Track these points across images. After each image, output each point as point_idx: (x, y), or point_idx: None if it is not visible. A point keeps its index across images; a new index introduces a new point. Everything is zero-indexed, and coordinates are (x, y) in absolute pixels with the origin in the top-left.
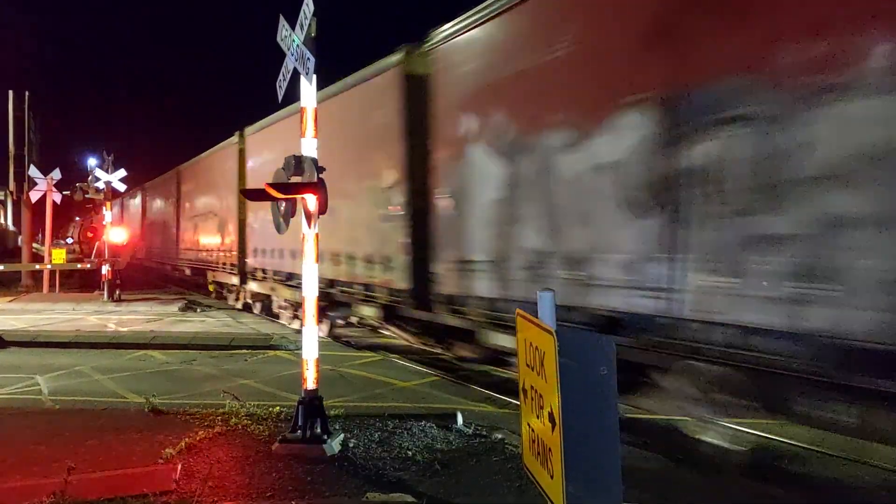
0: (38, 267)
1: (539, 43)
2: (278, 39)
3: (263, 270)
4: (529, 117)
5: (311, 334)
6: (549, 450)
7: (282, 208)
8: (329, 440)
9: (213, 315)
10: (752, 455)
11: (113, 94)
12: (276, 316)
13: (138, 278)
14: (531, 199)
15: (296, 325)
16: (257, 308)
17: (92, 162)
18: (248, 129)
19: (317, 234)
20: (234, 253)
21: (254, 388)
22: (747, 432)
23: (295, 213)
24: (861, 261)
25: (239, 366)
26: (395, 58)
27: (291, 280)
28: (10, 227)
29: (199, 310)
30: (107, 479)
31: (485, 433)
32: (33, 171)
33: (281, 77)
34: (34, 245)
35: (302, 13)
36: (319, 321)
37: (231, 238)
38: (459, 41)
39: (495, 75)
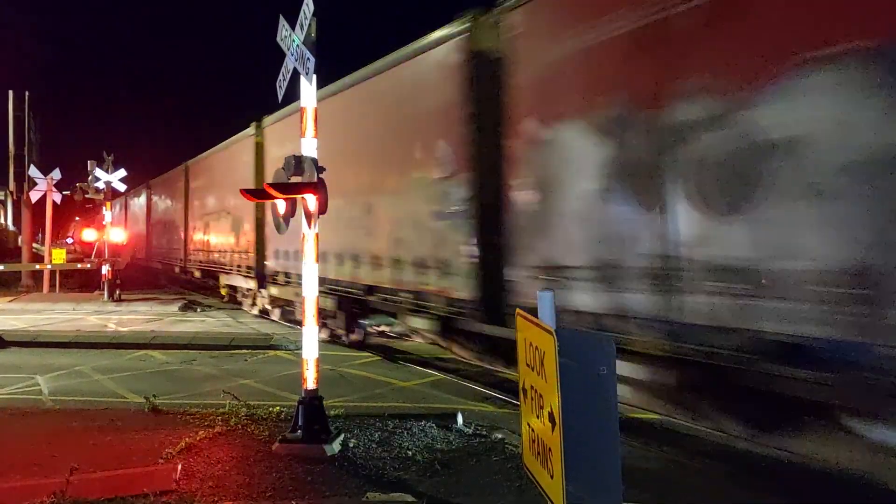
0: (38, 267)
1: None
2: (278, 39)
3: (286, 274)
4: (651, 84)
5: (312, 334)
6: (549, 449)
7: (282, 209)
8: (329, 440)
9: (213, 315)
10: (753, 454)
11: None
12: (299, 324)
13: (140, 279)
14: (655, 189)
15: (323, 333)
16: (276, 314)
17: (92, 162)
18: (267, 120)
19: (317, 234)
20: (251, 255)
21: (254, 387)
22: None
23: (295, 213)
24: None
25: (239, 366)
26: (456, 27)
27: (321, 285)
28: (11, 227)
29: (199, 310)
30: (107, 479)
31: (485, 433)
32: (33, 171)
33: (281, 77)
34: (34, 245)
35: (302, 13)
36: (352, 330)
37: (247, 239)
38: None
39: (599, 35)
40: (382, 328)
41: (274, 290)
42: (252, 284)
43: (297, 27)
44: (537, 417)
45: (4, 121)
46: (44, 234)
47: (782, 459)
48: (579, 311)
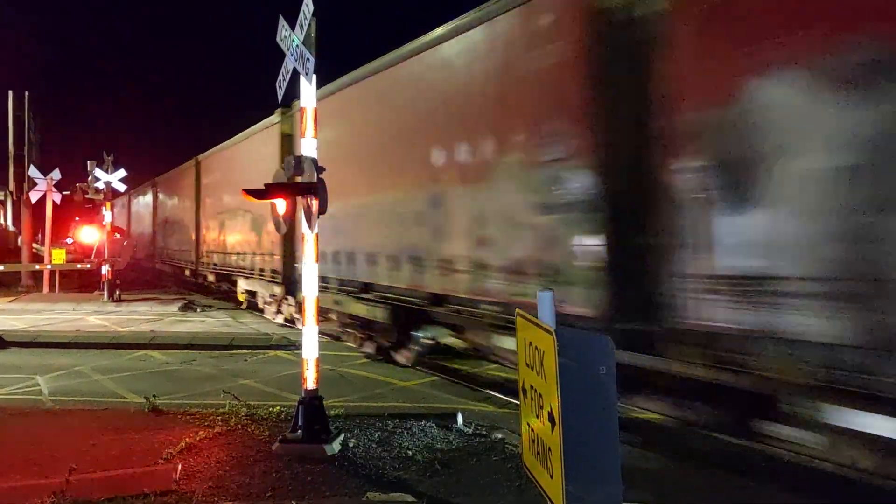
0: (38, 267)
1: None
2: (278, 40)
3: (323, 279)
4: None
5: (312, 334)
6: (549, 449)
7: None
8: (329, 440)
9: (213, 315)
10: (753, 454)
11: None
12: (337, 337)
13: (141, 279)
14: None
15: (368, 347)
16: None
17: (91, 162)
18: (297, 103)
19: (316, 235)
20: (277, 257)
21: (254, 388)
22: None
23: (295, 214)
24: None
25: (239, 366)
26: None
27: (368, 291)
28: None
29: (198, 310)
30: (107, 479)
31: (485, 433)
32: (33, 172)
33: (281, 77)
34: (34, 245)
35: (301, 13)
36: (404, 345)
37: (272, 239)
38: None
39: None
40: (448, 341)
41: None
42: (277, 290)
43: (297, 27)
44: (537, 417)
45: (4, 121)
46: (44, 234)
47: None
48: (804, 340)
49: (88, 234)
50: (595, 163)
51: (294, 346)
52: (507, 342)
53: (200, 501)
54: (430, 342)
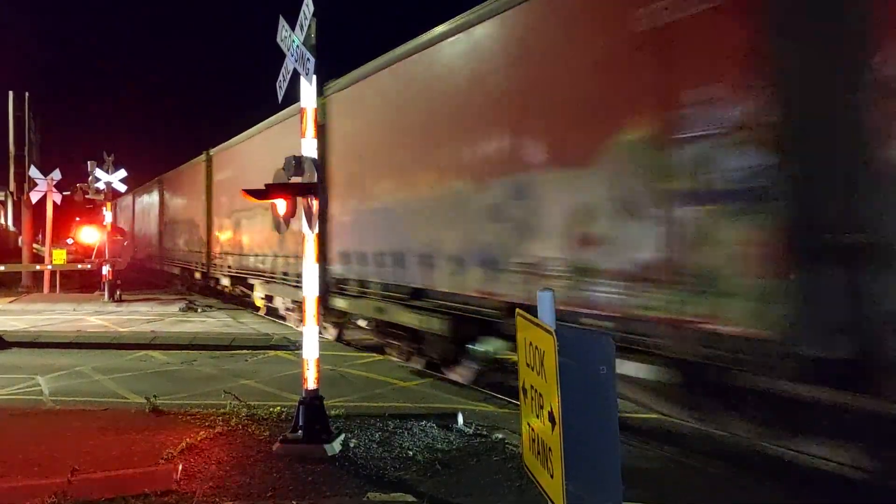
0: (38, 268)
1: None
2: (278, 40)
3: (362, 282)
4: None
5: (312, 334)
6: (550, 449)
7: (282, 209)
8: (330, 440)
9: (213, 315)
10: (753, 454)
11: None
12: (380, 349)
13: (142, 279)
14: None
15: (417, 362)
16: (331, 333)
17: (92, 162)
18: (334, 85)
19: (317, 235)
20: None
21: (254, 388)
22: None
23: (295, 214)
24: None
25: (240, 366)
26: None
27: (421, 298)
28: (11, 227)
29: (199, 310)
30: (108, 479)
31: (485, 433)
32: (34, 172)
33: (281, 77)
34: (34, 245)
35: (302, 14)
36: (460, 362)
37: (297, 239)
38: None
39: None
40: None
41: (341, 303)
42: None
43: (297, 28)
44: (537, 417)
45: (5, 121)
46: (44, 234)
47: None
48: None
49: (89, 235)
50: (771, 137)
51: (294, 346)
52: (629, 367)
53: (201, 501)
54: (491, 358)
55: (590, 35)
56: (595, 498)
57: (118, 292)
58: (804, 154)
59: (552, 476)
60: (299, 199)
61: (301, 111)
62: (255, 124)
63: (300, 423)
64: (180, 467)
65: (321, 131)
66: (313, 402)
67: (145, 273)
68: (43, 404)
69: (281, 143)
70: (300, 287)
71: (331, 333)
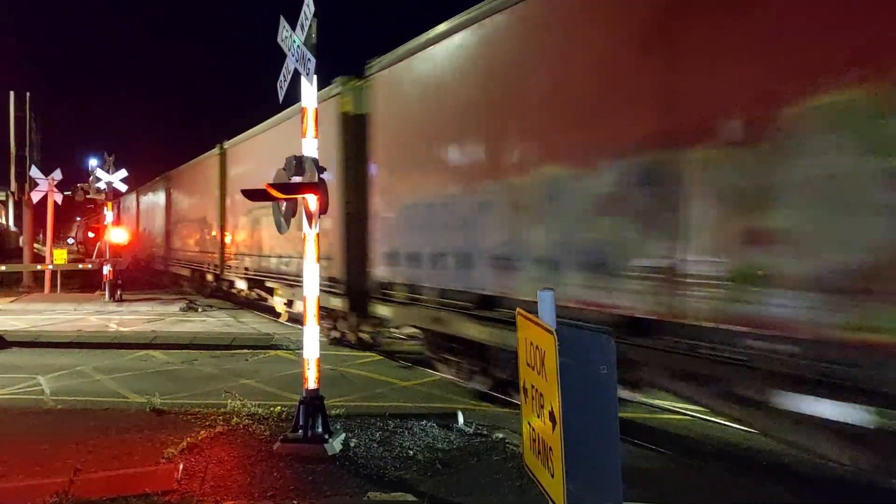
0: (39, 267)
1: None
2: (279, 40)
3: (411, 287)
4: None
5: (312, 334)
6: (550, 448)
7: (283, 208)
8: (330, 440)
9: (214, 315)
10: (753, 454)
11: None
12: (428, 363)
13: (143, 280)
14: None
15: (480, 382)
16: (364, 344)
17: (93, 162)
18: (377, 63)
19: (317, 234)
20: (335, 261)
21: (255, 387)
22: (748, 431)
23: (296, 214)
24: None
25: (240, 365)
26: None
27: (491, 307)
28: (12, 227)
29: (200, 310)
30: (109, 479)
31: (486, 432)
32: (34, 172)
33: (282, 78)
34: (35, 245)
35: (302, 14)
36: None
37: (331, 239)
38: None
39: None
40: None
41: (384, 311)
42: (337, 304)
43: (298, 28)
44: (538, 417)
45: (6, 121)
46: (45, 234)
47: (782, 459)
48: None
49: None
50: None
51: (295, 345)
52: (824, 408)
53: (202, 501)
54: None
55: None
56: (595, 497)
57: (119, 292)
58: None
59: (553, 475)
60: (305, 199)
61: (302, 111)
62: (255, 124)
63: (301, 423)
64: (181, 467)
65: (359, 120)
66: (314, 401)
67: (150, 274)
68: (44, 404)
69: (319, 126)
70: (333, 293)
71: (364, 344)
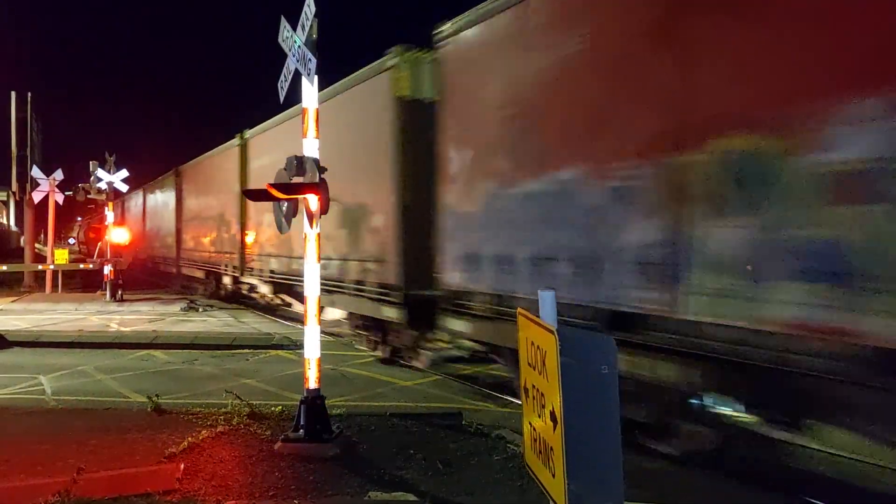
0: (40, 267)
1: None
2: (280, 40)
3: (500, 298)
4: None
5: (313, 333)
6: (551, 448)
7: (284, 208)
8: (331, 439)
9: (214, 315)
10: (754, 454)
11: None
12: (509, 391)
13: (144, 280)
14: None
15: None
16: (422, 363)
17: (94, 162)
18: (453, 25)
19: (318, 234)
20: (389, 263)
21: (256, 387)
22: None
23: (296, 213)
24: None
25: (241, 365)
26: None
27: (629, 329)
28: (13, 227)
29: (200, 309)
30: (111, 479)
31: (486, 432)
32: (36, 172)
33: (282, 78)
34: (37, 245)
35: (303, 14)
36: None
37: (383, 238)
38: None
39: None
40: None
41: (458, 325)
42: (392, 315)
43: (299, 28)
44: (539, 416)
45: (7, 122)
46: (46, 234)
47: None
48: None
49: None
50: None
51: (295, 345)
52: None
53: (204, 500)
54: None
55: None
56: (596, 497)
57: (120, 292)
58: None
59: (554, 475)
60: (305, 198)
61: (302, 111)
62: (255, 125)
63: (302, 423)
64: (182, 466)
65: (418, 98)
66: (315, 401)
67: (157, 276)
68: (45, 403)
69: (350, 116)
70: (385, 301)
71: (422, 363)
